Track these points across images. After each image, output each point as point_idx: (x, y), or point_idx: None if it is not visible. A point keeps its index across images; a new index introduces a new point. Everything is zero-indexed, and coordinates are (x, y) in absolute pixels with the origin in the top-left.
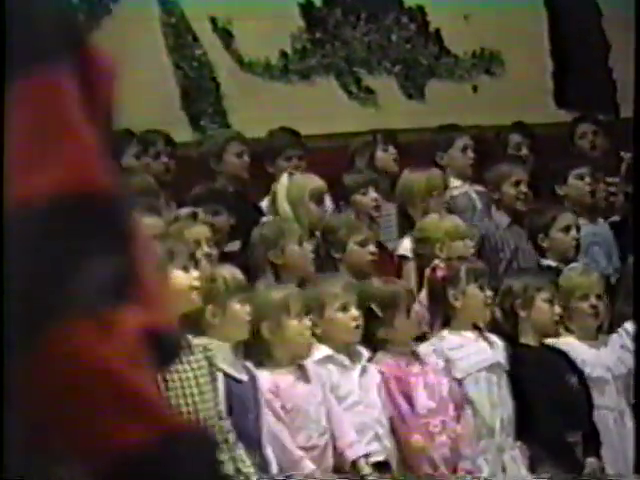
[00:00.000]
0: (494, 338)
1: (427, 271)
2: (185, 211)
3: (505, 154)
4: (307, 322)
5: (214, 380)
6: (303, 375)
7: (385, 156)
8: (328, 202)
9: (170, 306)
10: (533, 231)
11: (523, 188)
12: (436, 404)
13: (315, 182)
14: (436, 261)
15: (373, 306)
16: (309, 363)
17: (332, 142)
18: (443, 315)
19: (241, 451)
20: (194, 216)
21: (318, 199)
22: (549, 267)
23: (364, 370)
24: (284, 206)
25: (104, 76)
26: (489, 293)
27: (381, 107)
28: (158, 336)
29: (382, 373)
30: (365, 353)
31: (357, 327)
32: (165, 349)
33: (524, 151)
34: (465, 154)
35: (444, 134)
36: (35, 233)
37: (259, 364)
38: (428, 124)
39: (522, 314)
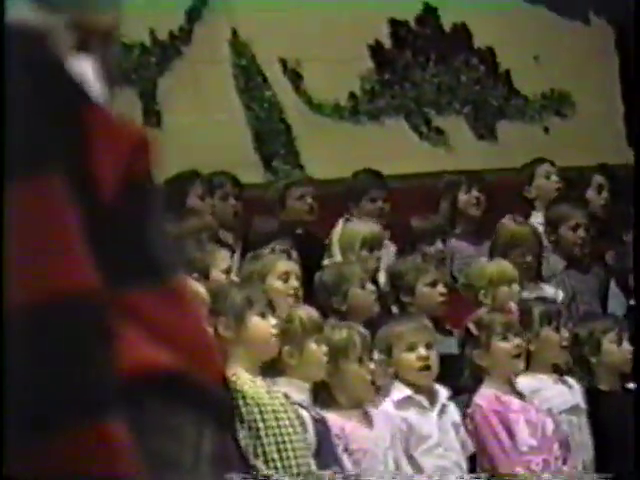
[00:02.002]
0: (571, 381)
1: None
2: (280, 247)
3: (583, 195)
4: (370, 365)
5: (301, 421)
6: (367, 419)
7: (467, 199)
8: (391, 248)
9: (217, 364)
10: (622, 272)
11: (581, 233)
12: (538, 442)
13: (369, 229)
14: (510, 303)
15: (470, 324)
16: (381, 409)
17: (403, 183)
18: None
19: None
20: (288, 253)
21: (372, 246)
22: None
23: (442, 410)
24: (336, 252)
25: (134, 149)
26: (565, 334)
27: (452, 148)
28: (205, 394)
29: (480, 407)
30: (444, 392)
31: (426, 368)
32: (217, 409)
33: (605, 194)
34: (549, 180)
35: (527, 168)
36: (28, 336)
37: (326, 407)
38: (499, 165)
39: (593, 360)
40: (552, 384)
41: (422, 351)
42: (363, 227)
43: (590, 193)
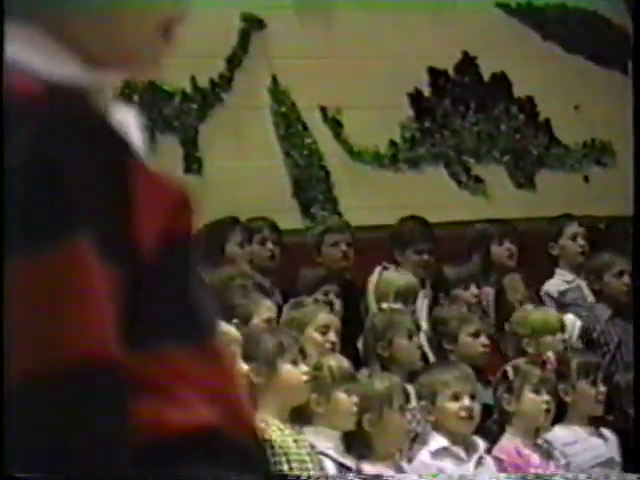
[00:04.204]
0: (608, 433)
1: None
2: (323, 298)
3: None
4: (408, 415)
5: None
6: (399, 468)
7: (500, 250)
8: (420, 300)
9: (253, 422)
10: None
11: (626, 279)
12: None
13: (405, 280)
14: (548, 354)
15: (508, 368)
16: (417, 458)
17: (442, 231)
18: (555, 410)
19: None
20: (331, 305)
21: (406, 298)
22: None
23: (479, 462)
24: (371, 300)
25: (176, 208)
26: (602, 389)
27: (491, 196)
28: (243, 453)
29: (501, 461)
30: (482, 444)
31: (469, 418)
32: (254, 468)
33: None
34: (575, 242)
35: (555, 223)
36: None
37: (360, 456)
38: (538, 214)
39: (629, 411)
40: (587, 437)
41: (467, 402)
42: (399, 278)
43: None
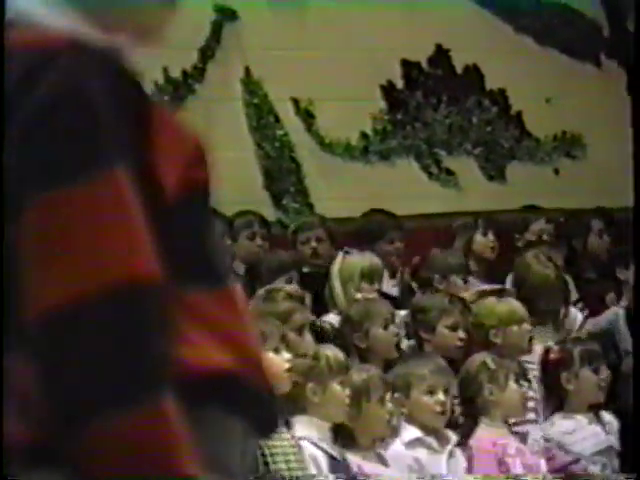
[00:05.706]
0: (609, 418)
1: (541, 355)
2: (294, 291)
3: (586, 240)
4: (389, 406)
5: (316, 462)
6: (381, 459)
7: (484, 242)
8: (387, 281)
9: (265, 370)
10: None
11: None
12: None
13: (368, 261)
14: (549, 343)
15: (487, 359)
16: (392, 448)
17: (412, 223)
18: (556, 399)
19: None
20: (301, 300)
21: (371, 278)
22: None
23: (451, 455)
24: (336, 284)
25: (193, 155)
26: (604, 376)
27: (462, 188)
28: (256, 400)
29: (477, 449)
30: (453, 437)
31: (443, 413)
32: (264, 416)
33: (605, 238)
34: (540, 239)
35: (523, 216)
36: (86, 328)
37: (343, 446)
38: (509, 206)
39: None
40: (587, 424)
41: (441, 396)
42: (362, 259)
43: (592, 238)
